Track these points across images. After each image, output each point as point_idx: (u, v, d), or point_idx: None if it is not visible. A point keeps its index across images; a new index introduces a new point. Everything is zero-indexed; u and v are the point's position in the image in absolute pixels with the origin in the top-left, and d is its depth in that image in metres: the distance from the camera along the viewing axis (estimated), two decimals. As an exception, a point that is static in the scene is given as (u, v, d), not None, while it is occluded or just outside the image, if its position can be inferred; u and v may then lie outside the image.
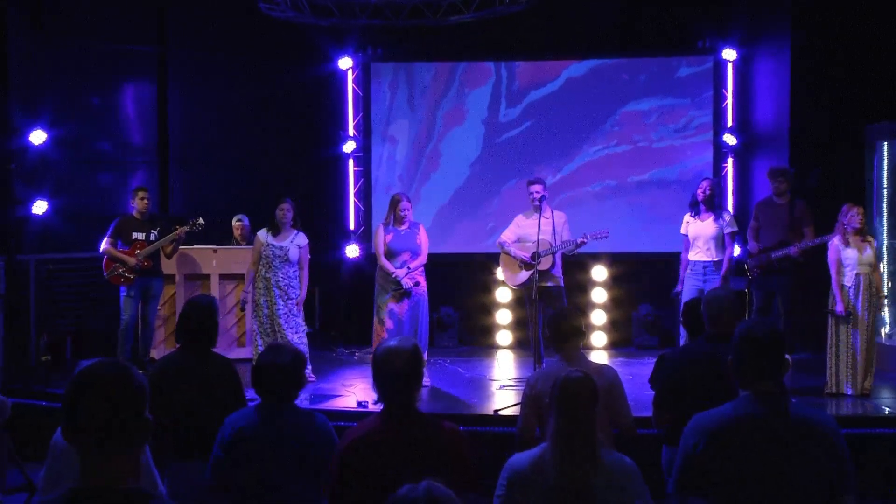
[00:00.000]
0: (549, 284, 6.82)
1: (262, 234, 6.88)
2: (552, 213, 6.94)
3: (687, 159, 8.93)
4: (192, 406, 3.68)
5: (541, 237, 6.67)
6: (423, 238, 6.76)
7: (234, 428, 3.26)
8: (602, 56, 9.03)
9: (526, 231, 6.90)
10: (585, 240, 6.68)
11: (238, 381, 3.87)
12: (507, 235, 7.04)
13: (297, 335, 6.82)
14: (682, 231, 7.00)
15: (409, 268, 6.62)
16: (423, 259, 6.72)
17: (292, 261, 6.81)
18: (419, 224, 6.87)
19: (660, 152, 8.97)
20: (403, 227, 6.71)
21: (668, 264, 8.54)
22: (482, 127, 9.16)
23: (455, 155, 9.18)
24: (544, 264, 6.70)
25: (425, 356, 6.84)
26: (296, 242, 6.86)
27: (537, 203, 6.83)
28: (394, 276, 6.61)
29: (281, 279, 6.79)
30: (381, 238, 6.72)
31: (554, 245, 6.75)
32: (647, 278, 8.89)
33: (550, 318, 4.06)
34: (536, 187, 6.88)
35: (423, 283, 6.74)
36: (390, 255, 6.69)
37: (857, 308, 6.23)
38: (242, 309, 7.12)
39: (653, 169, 8.96)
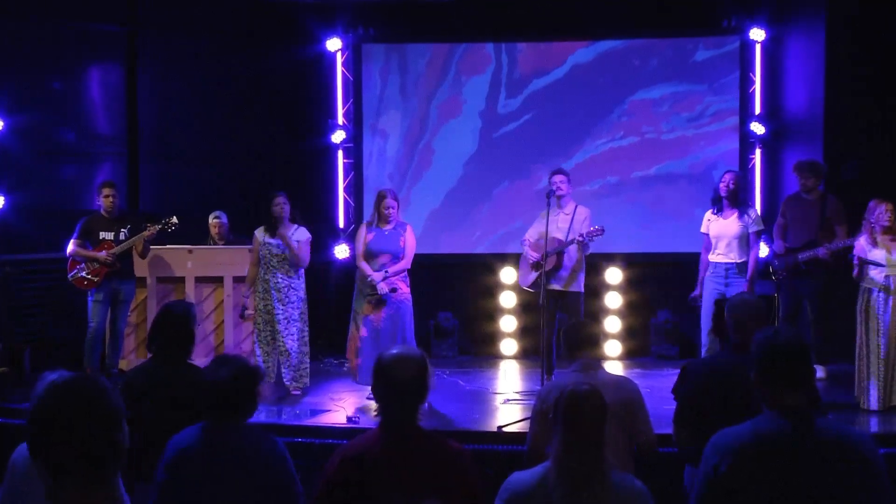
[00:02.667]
0: (566, 289, 6.86)
1: (259, 233, 6.96)
2: (575, 208, 6.97)
3: (699, 150, 8.96)
4: (163, 422, 3.69)
5: (553, 235, 6.70)
6: (408, 240, 6.75)
7: (175, 448, 3.28)
8: (613, 37, 9.05)
9: (544, 229, 6.90)
10: (581, 239, 6.71)
11: None
12: (530, 234, 7.12)
13: (298, 343, 6.87)
14: (703, 230, 7.02)
15: (386, 272, 6.63)
16: (405, 263, 6.72)
17: (301, 265, 6.87)
18: (406, 224, 6.86)
19: (674, 143, 8.99)
20: (387, 227, 6.72)
21: (688, 266, 8.56)
22: (479, 120, 9.19)
23: (449, 152, 9.20)
24: (548, 264, 6.74)
25: None
26: (295, 238, 6.91)
27: (561, 192, 6.86)
28: (369, 279, 6.63)
29: (280, 280, 6.84)
30: (361, 237, 6.77)
31: (563, 243, 6.79)
32: (666, 281, 8.91)
33: (565, 327, 4.11)
34: (557, 178, 6.91)
35: (405, 289, 6.72)
36: (369, 256, 6.71)
37: (888, 314, 6.21)
38: (242, 316, 7.15)
39: (662, 162, 8.98)
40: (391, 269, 6.65)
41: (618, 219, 8.52)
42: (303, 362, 6.95)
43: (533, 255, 6.94)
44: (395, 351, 2.91)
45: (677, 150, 8.99)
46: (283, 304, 6.84)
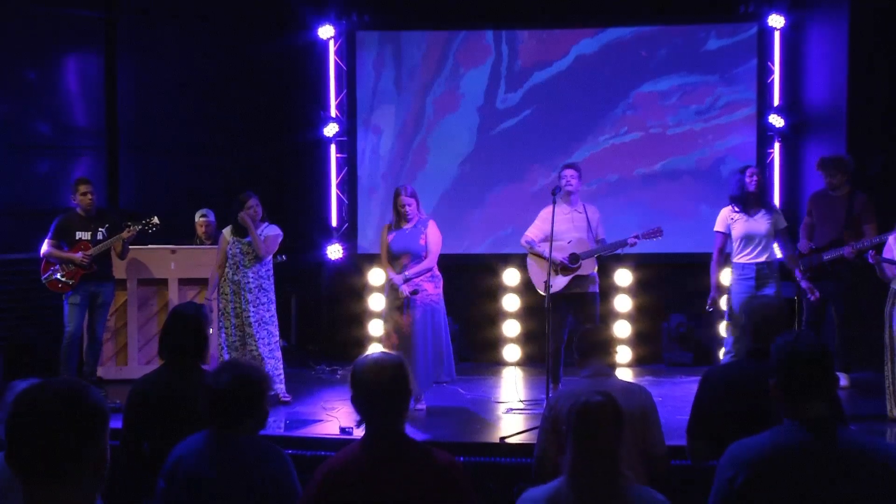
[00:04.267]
0: (584, 290, 6.84)
1: (228, 232, 7.00)
2: (584, 206, 6.97)
3: (707, 145, 8.96)
4: (174, 434, 3.68)
5: (573, 234, 6.70)
6: (430, 237, 6.76)
7: (176, 456, 3.30)
8: (621, 23, 9.05)
9: (557, 227, 6.78)
10: (636, 240, 6.72)
11: None
12: (534, 232, 7.01)
13: (268, 348, 6.88)
14: (719, 228, 6.99)
15: (406, 274, 6.65)
16: (428, 263, 6.73)
17: (262, 257, 6.89)
18: (429, 220, 6.84)
19: (681, 137, 8.98)
20: (408, 226, 6.75)
21: (704, 267, 8.55)
22: (476, 116, 9.19)
23: (445, 149, 9.21)
24: (586, 268, 6.73)
25: (454, 375, 6.86)
26: (265, 234, 6.94)
27: (571, 188, 6.84)
28: (393, 283, 6.69)
29: (251, 280, 6.86)
30: (384, 240, 6.83)
31: (591, 245, 6.77)
32: (679, 283, 8.90)
33: (580, 332, 4.11)
34: (569, 172, 6.89)
35: (432, 289, 6.73)
36: (391, 258, 6.77)
37: None
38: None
39: (668, 158, 8.98)
40: (412, 270, 6.65)
41: (626, 217, 8.52)
42: (276, 368, 6.94)
43: (559, 257, 6.78)
44: (369, 356, 2.91)
45: (684, 145, 8.99)
46: (254, 306, 6.85)
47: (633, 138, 9.04)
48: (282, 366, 7.03)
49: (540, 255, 6.86)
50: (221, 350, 6.93)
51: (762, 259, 6.83)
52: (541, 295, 6.79)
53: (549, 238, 6.53)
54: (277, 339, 7.02)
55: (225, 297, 6.92)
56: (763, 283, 6.81)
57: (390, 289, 6.78)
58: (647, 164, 9.01)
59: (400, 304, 6.67)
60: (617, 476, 2.77)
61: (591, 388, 3.54)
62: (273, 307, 7.02)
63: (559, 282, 6.81)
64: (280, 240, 7.06)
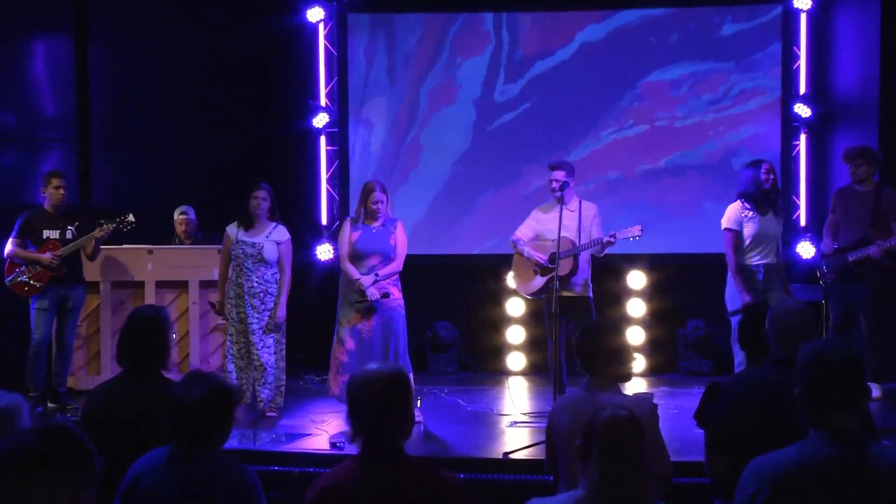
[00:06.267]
0: (573, 294, 6.86)
1: (232, 230, 6.98)
2: (580, 204, 6.98)
3: (719, 137, 8.96)
4: (133, 449, 3.67)
5: (562, 234, 6.71)
6: (399, 238, 6.80)
7: (134, 473, 3.28)
8: (629, 5, 9.03)
9: (545, 226, 6.95)
10: (613, 239, 6.72)
11: None
12: (523, 231, 7.09)
13: (275, 357, 6.88)
14: (731, 225, 6.92)
15: (376, 274, 6.65)
16: (397, 266, 6.77)
17: (269, 261, 6.89)
18: (397, 221, 6.90)
19: (691, 129, 8.98)
20: (375, 224, 6.76)
21: (722, 269, 8.56)
22: (473, 109, 9.18)
23: (439, 146, 9.21)
24: (563, 268, 6.74)
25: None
26: (273, 238, 6.93)
27: (558, 193, 6.87)
28: (357, 284, 6.66)
29: (255, 284, 6.85)
30: (346, 236, 6.81)
31: (577, 244, 6.79)
32: (697, 286, 8.89)
33: (578, 336, 4.09)
34: (558, 174, 6.91)
35: (398, 294, 6.77)
36: (356, 257, 6.75)
37: None
38: (216, 310, 7.13)
39: (676, 152, 8.97)
40: (382, 272, 6.67)
41: (634, 215, 8.51)
42: (279, 379, 6.96)
43: (538, 257, 6.93)
44: (366, 367, 2.92)
45: (694, 138, 8.98)
46: (257, 312, 6.84)
47: (639, 131, 9.03)
48: (284, 377, 7.04)
49: (521, 255, 7.06)
50: (226, 359, 6.92)
51: (769, 261, 6.84)
52: (538, 300, 6.95)
53: (551, 239, 6.71)
54: (283, 347, 7.00)
55: (229, 300, 6.91)
56: (769, 286, 6.80)
57: (349, 289, 6.74)
58: (654, 158, 9.01)
59: (363, 306, 6.65)
60: (644, 493, 2.79)
61: (590, 399, 3.55)
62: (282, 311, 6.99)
63: (536, 282, 6.99)
64: (290, 243, 7.03)
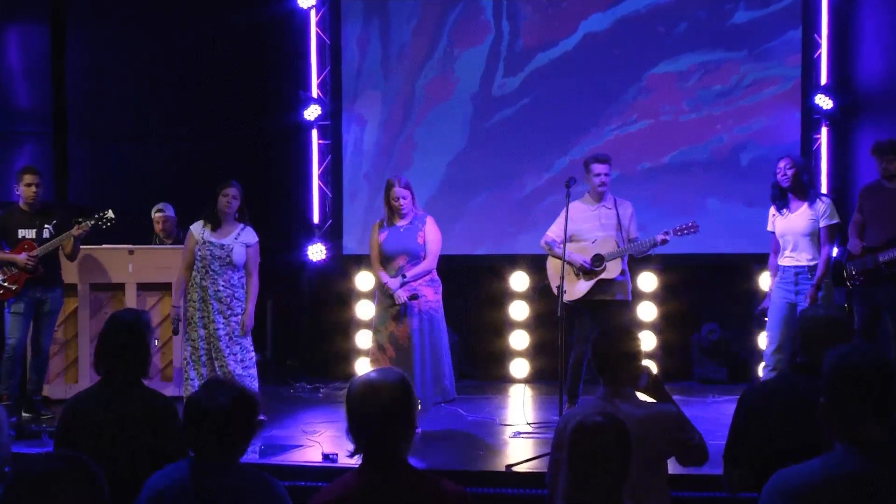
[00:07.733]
0: (612, 298, 6.85)
1: (197, 229, 6.93)
2: (615, 202, 6.96)
3: (727, 131, 8.94)
4: (113, 460, 3.66)
5: (602, 234, 6.71)
6: (429, 236, 6.80)
7: (152, 491, 3.25)
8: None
9: (581, 226, 6.85)
10: (668, 238, 6.74)
11: (177, 425, 3.87)
12: (556, 231, 7.02)
13: (241, 365, 6.84)
14: (769, 227, 6.99)
15: (404, 276, 6.66)
16: (427, 264, 6.77)
17: (237, 264, 6.86)
18: (426, 216, 6.89)
19: (698, 123, 8.98)
20: (402, 223, 6.78)
21: (739, 269, 8.54)
22: (470, 104, 9.18)
23: (434, 144, 9.23)
24: (611, 271, 6.74)
25: (454, 394, 6.91)
26: (241, 240, 6.90)
27: (603, 188, 6.88)
28: (385, 287, 6.69)
29: (222, 289, 6.82)
30: (374, 239, 6.85)
31: (621, 245, 6.77)
32: (712, 288, 8.89)
33: (594, 339, 4.10)
34: (600, 168, 6.90)
35: (431, 295, 6.78)
36: (384, 259, 6.79)
37: None
38: (175, 331, 7.12)
39: (683, 147, 8.97)
40: (410, 273, 6.68)
41: (639, 214, 8.48)
42: (252, 388, 6.90)
43: (581, 260, 6.81)
44: (365, 376, 2.91)
45: (702, 132, 8.96)
46: (225, 318, 6.81)
47: (641, 127, 9.01)
48: (257, 384, 7.00)
49: (558, 258, 6.85)
50: (186, 364, 6.88)
51: (801, 262, 6.79)
52: (556, 301, 6.77)
53: (589, 239, 6.75)
54: (252, 354, 6.98)
55: (192, 303, 6.87)
56: (800, 289, 6.78)
57: (382, 294, 6.78)
58: (661, 154, 8.99)
59: (396, 312, 6.67)
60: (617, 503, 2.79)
61: (596, 409, 3.54)
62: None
63: (581, 287, 6.85)
64: (258, 246, 7.00)
